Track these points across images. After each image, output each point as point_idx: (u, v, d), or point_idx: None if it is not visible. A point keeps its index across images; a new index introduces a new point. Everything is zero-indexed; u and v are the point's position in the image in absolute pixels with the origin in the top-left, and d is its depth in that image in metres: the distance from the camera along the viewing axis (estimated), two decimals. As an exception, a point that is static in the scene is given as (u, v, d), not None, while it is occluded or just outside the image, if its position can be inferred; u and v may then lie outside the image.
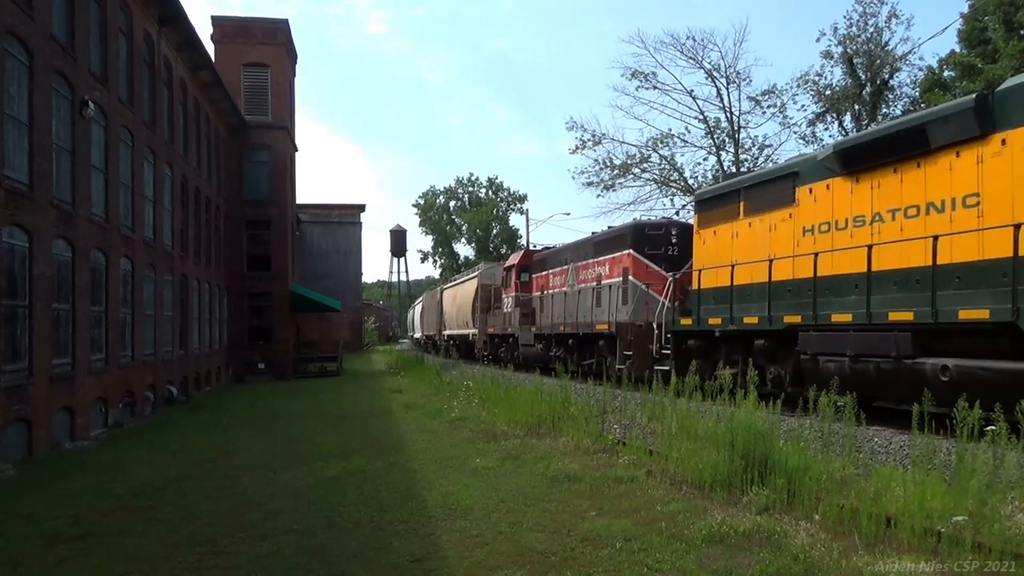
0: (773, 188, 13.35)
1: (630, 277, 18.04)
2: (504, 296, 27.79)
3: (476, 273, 32.58)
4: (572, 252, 22.39)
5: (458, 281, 38.54)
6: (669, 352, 15.47)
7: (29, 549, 6.83)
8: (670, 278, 16.06)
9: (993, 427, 6.95)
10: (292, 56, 34.10)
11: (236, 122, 30.25)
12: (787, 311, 12.21)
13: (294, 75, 34.87)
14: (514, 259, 27.70)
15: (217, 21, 31.57)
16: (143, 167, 18.89)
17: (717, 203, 15.14)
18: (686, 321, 15.18)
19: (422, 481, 9.01)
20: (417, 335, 58.66)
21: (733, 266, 13.69)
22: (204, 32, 32.07)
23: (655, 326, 16.01)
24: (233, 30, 31.44)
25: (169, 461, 11.40)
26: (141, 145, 18.69)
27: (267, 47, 31.57)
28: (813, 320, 11.44)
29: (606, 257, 19.63)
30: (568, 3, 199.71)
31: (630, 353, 16.56)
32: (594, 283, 19.99)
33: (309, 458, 10.91)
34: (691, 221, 17.77)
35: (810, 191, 12.36)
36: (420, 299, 59.67)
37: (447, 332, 39.61)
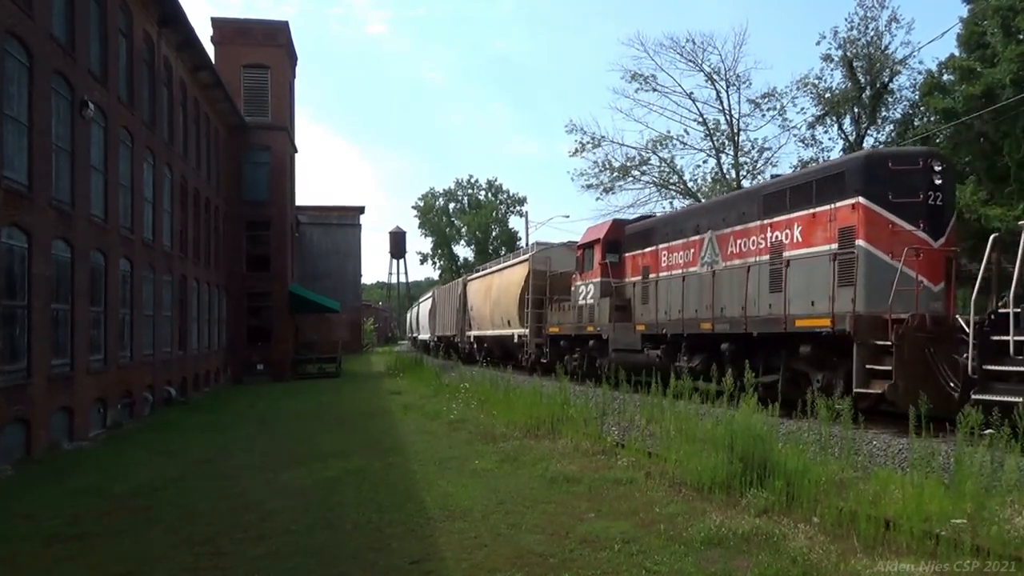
0: None
1: (860, 241, 11.10)
2: (579, 284, 20.54)
3: (525, 257, 25.04)
4: (707, 215, 15.64)
5: (493, 269, 29.95)
6: (1019, 370, 8.60)
7: (27, 549, 6.82)
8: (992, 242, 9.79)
9: (991, 430, 6.96)
10: (292, 57, 34.13)
11: (236, 123, 30.26)
12: None
13: (294, 76, 34.90)
14: (596, 232, 20.05)
15: (217, 22, 31.61)
16: (143, 168, 18.89)
17: None
18: None
19: (421, 482, 9.01)
20: (424, 336, 49.90)
21: None
22: (204, 33, 32.09)
23: (965, 323, 9.46)
24: (233, 31, 31.48)
25: (168, 461, 11.39)
26: (141, 146, 18.69)
27: (267, 48, 31.61)
28: None
29: (794, 215, 12.59)
30: (568, 4, 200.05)
31: (887, 369, 10.02)
32: (764, 256, 13.23)
33: (308, 459, 10.91)
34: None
35: None
36: (428, 295, 50.03)
37: (473, 333, 31.88)
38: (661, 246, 17.11)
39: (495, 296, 27.78)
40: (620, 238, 19.12)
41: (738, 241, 14.23)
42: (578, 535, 6.52)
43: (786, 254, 12.77)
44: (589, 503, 7.67)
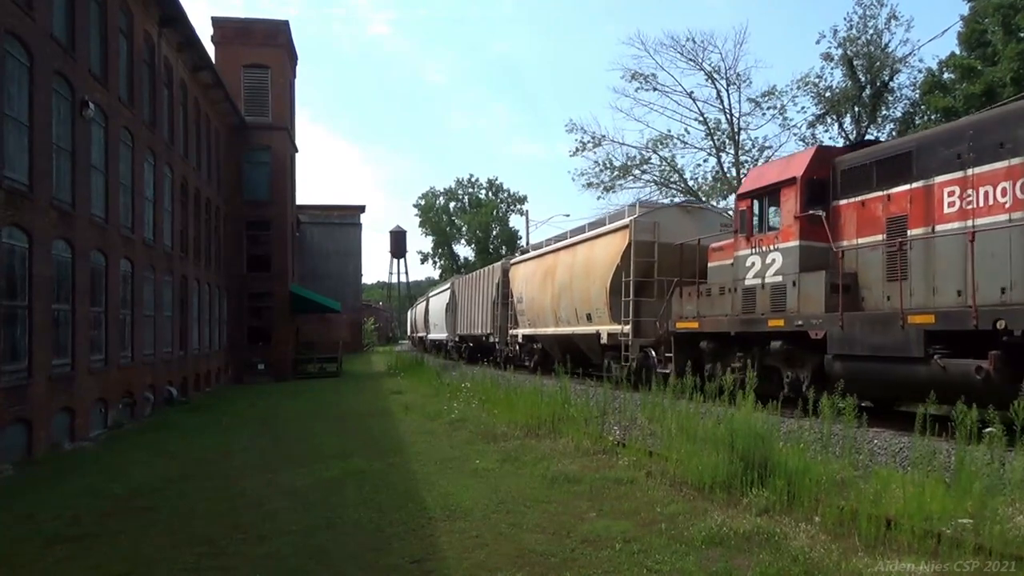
0: None
1: None
2: (743, 254, 13.36)
3: (623, 223, 17.39)
4: None
5: (560, 245, 21.84)
6: None
7: (27, 549, 6.82)
8: None
9: (992, 429, 6.95)
10: (292, 57, 34.14)
11: (236, 123, 30.27)
12: None
13: (294, 76, 34.90)
14: (785, 169, 12.79)
15: (218, 22, 31.62)
16: (143, 168, 18.89)
17: None
18: None
19: (421, 482, 9.00)
20: (437, 335, 41.78)
21: None
22: (204, 33, 32.13)
23: None
24: (233, 31, 31.51)
25: (168, 462, 11.39)
26: (141, 146, 18.69)
27: (267, 48, 31.64)
28: None
29: None
30: (569, 5, 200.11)
31: None
32: None
33: (308, 459, 10.91)
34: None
35: None
36: (444, 286, 41.07)
37: (522, 331, 24.51)
38: (940, 179, 10.29)
39: (563, 280, 20.53)
40: (825, 177, 12.11)
41: None
42: (579, 534, 6.51)
43: None
44: (590, 502, 7.66)
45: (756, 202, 13.33)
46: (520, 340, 24.94)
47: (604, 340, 17.73)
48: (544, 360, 22.70)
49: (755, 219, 13.32)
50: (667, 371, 14.70)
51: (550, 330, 21.70)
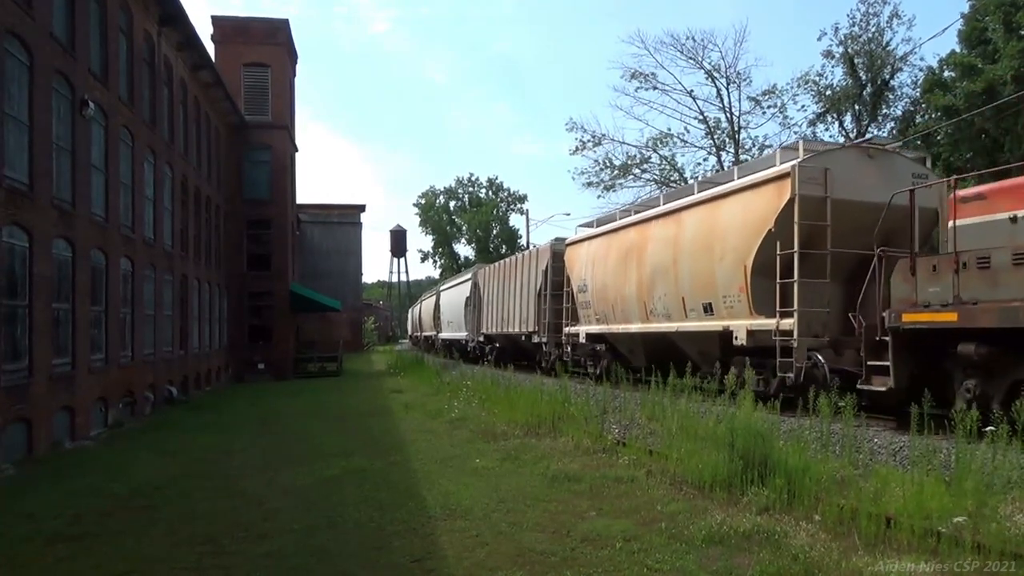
0: None
1: None
2: None
3: (777, 171, 12.02)
4: None
5: (647, 215, 16.48)
6: None
7: (28, 548, 6.83)
8: None
9: (992, 427, 6.97)
10: (292, 56, 34.13)
11: (236, 122, 30.26)
12: None
13: (294, 75, 34.90)
14: None
15: (217, 21, 31.60)
16: (143, 167, 18.89)
17: None
18: None
19: (422, 481, 9.01)
20: (453, 335, 35.80)
21: None
22: (204, 31, 32.17)
23: None
24: (233, 30, 31.49)
25: (169, 461, 11.41)
26: (141, 145, 18.69)
27: (267, 47, 31.62)
28: None
29: None
30: (569, 5, 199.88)
31: None
32: None
33: (309, 458, 10.92)
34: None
35: None
36: (462, 277, 35.04)
37: (586, 329, 19.27)
38: None
39: (660, 260, 15.28)
40: None
41: None
42: (579, 533, 6.52)
43: None
44: (590, 501, 7.67)
45: None
46: (582, 340, 19.55)
47: (741, 340, 12.61)
48: (614, 363, 17.13)
49: None
50: (880, 388, 9.81)
51: (635, 327, 16.45)
